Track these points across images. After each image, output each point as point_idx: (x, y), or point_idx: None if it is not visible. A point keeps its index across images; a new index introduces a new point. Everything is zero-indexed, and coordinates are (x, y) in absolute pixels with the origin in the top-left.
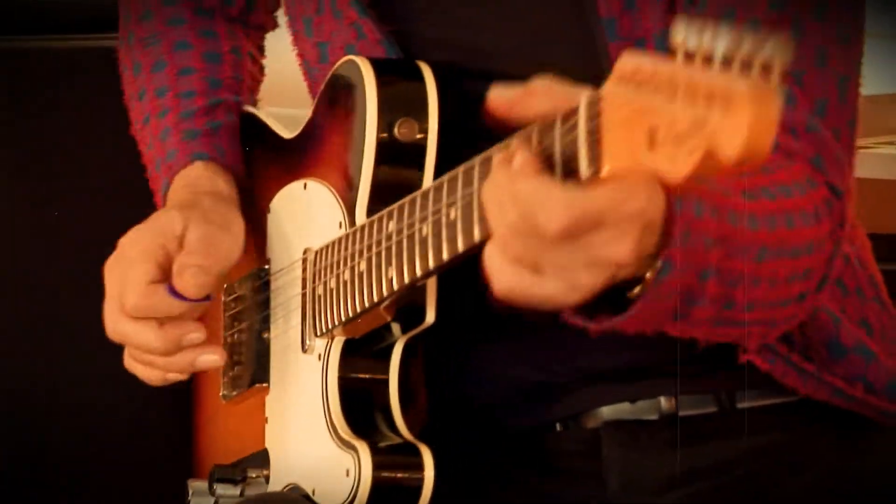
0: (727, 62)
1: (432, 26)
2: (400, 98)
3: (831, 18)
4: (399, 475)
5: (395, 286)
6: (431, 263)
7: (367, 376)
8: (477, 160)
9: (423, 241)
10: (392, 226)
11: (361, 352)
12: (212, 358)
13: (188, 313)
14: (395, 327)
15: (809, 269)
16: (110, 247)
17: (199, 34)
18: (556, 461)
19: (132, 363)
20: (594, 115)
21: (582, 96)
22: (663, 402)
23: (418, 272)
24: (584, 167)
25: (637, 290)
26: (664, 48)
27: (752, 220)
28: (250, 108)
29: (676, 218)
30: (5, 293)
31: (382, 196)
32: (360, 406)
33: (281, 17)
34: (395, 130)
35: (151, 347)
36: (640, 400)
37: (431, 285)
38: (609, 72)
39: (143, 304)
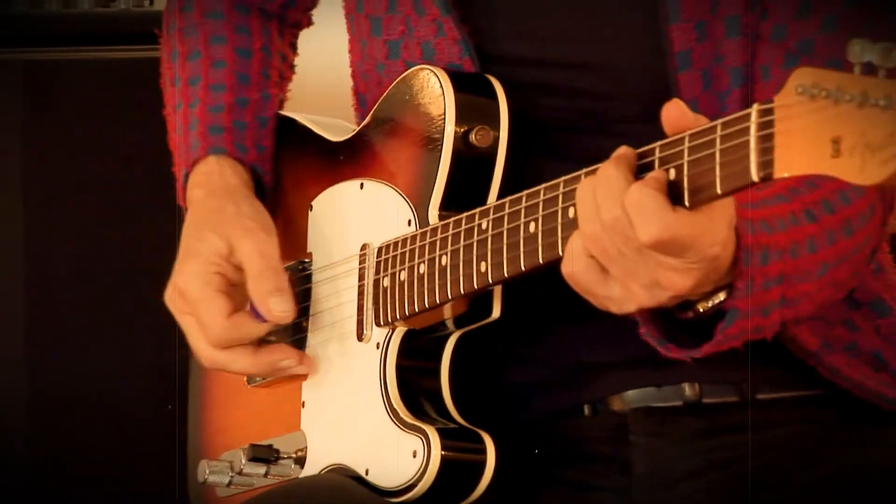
0: None
1: (506, 36)
2: (476, 107)
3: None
4: (466, 457)
5: (491, 279)
6: (542, 258)
7: (424, 365)
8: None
9: (531, 238)
10: (486, 223)
11: (420, 342)
12: (296, 368)
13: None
14: (451, 322)
15: (865, 257)
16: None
17: (233, 29)
18: (584, 447)
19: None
20: (768, 124)
21: (753, 105)
22: (687, 388)
23: (524, 266)
24: (753, 171)
25: (690, 314)
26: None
27: (811, 244)
28: (289, 113)
29: (743, 270)
30: (22, 293)
31: (453, 197)
32: (418, 393)
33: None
34: (472, 136)
35: (249, 373)
36: (665, 385)
37: None
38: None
39: (228, 336)
